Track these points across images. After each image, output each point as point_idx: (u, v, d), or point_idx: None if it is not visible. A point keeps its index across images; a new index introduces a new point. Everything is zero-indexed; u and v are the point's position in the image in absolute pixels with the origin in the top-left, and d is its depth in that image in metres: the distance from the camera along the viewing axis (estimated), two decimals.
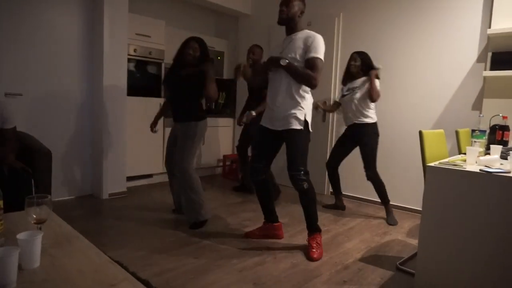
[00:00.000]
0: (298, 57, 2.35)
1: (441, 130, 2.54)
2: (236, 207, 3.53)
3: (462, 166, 1.84)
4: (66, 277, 1.06)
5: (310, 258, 2.40)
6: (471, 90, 3.27)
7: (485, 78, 3.12)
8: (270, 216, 2.73)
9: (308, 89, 2.41)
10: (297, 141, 2.38)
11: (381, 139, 3.31)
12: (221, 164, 5.09)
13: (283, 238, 2.75)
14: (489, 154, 2.19)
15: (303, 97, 2.39)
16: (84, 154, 3.67)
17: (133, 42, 3.96)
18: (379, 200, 3.36)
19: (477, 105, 3.23)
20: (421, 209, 1.94)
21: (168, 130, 4.34)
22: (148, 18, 4.14)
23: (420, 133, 2.18)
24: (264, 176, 2.58)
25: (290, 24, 2.42)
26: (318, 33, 2.37)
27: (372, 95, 3.12)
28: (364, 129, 3.25)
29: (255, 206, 3.57)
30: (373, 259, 2.47)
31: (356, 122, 3.27)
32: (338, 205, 3.62)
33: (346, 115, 3.37)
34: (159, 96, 4.27)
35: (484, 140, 2.42)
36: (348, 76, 3.38)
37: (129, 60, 3.87)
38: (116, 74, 3.61)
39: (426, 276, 1.91)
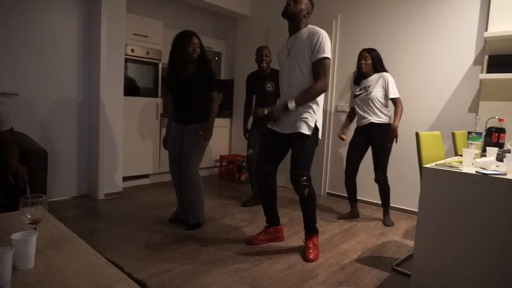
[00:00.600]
0: (306, 58, 2.30)
1: (438, 132, 2.55)
2: (233, 208, 3.52)
3: (458, 167, 1.84)
4: (61, 278, 1.05)
5: (306, 259, 2.40)
6: (467, 92, 3.28)
7: (481, 80, 3.14)
8: (274, 220, 2.68)
9: None
10: (303, 146, 2.34)
11: None
12: (218, 164, 5.10)
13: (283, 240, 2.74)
14: (485, 156, 2.20)
15: (315, 102, 2.35)
16: (80, 154, 3.66)
17: (131, 42, 3.95)
18: (376, 201, 3.37)
19: (474, 108, 3.25)
20: (417, 210, 1.94)
21: (164, 131, 4.34)
22: (146, 18, 4.13)
23: (417, 134, 2.19)
24: (272, 179, 2.54)
25: (294, 21, 2.36)
26: None
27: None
28: (381, 129, 3.11)
29: (251, 207, 3.58)
30: (370, 260, 2.47)
31: (373, 121, 3.12)
32: (354, 212, 3.42)
33: (361, 115, 3.19)
34: (156, 96, 4.26)
35: (480, 142, 2.44)
36: (360, 76, 3.22)
37: (126, 60, 3.86)
38: (113, 74, 3.60)
39: (422, 277, 1.91)
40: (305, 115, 2.32)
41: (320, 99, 2.38)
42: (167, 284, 1.99)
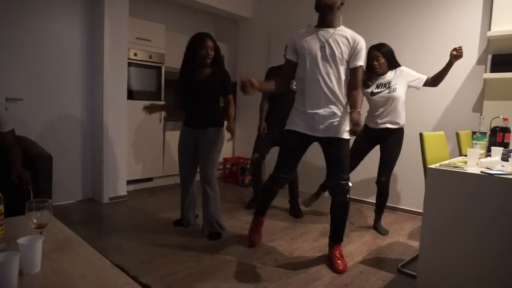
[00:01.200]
0: (344, 57, 2.18)
1: (442, 132, 2.54)
2: (237, 211, 3.52)
3: (463, 168, 1.83)
4: (67, 282, 1.05)
5: (336, 270, 2.28)
6: (471, 92, 3.27)
7: (485, 80, 3.12)
8: (266, 211, 2.64)
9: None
10: (344, 150, 2.26)
11: None
12: (221, 167, 5.10)
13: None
14: (490, 156, 2.19)
15: (345, 101, 2.27)
16: (84, 158, 3.67)
17: (133, 46, 3.97)
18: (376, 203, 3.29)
19: (478, 107, 3.23)
20: (422, 211, 1.93)
21: (168, 134, 4.36)
22: (148, 22, 4.15)
23: (421, 135, 2.18)
24: (283, 186, 2.49)
25: (328, 14, 2.20)
26: None
27: (438, 82, 2.79)
28: (398, 136, 2.90)
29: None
30: (375, 261, 2.46)
31: (390, 126, 2.85)
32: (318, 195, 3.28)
33: (377, 114, 2.88)
34: (159, 99, 4.27)
35: (485, 142, 2.42)
36: (373, 74, 2.92)
37: (129, 64, 3.88)
38: (116, 78, 3.61)
39: (427, 278, 1.90)
40: (340, 118, 2.24)
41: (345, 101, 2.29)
42: (172, 287, 1.99)
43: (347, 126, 2.24)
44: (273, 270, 2.26)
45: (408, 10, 3.60)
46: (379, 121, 2.88)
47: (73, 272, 1.11)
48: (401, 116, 2.86)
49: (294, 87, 3.25)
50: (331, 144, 2.27)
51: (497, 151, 2.10)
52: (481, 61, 3.20)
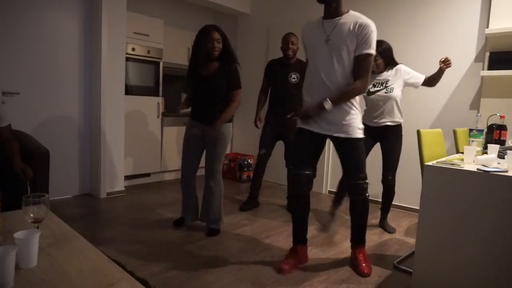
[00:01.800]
0: (350, 48, 2.00)
1: (439, 130, 2.55)
2: (234, 207, 3.52)
3: (459, 165, 1.84)
4: (64, 276, 1.06)
5: (361, 274, 2.20)
6: (468, 89, 3.27)
7: (482, 77, 3.13)
8: (304, 236, 2.35)
9: None
10: (359, 149, 2.15)
11: None
12: None
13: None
14: (486, 153, 2.20)
15: (354, 99, 2.13)
16: (81, 153, 3.67)
17: (131, 41, 3.95)
18: (376, 199, 3.34)
19: (475, 105, 3.24)
20: (418, 208, 1.94)
21: (166, 130, 4.36)
22: (147, 17, 4.13)
23: (418, 132, 2.18)
24: (309, 186, 2.26)
25: (332, 3, 2.03)
26: None
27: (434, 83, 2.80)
28: (397, 131, 2.90)
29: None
30: (371, 258, 2.47)
31: (389, 124, 2.86)
32: (335, 215, 3.20)
33: (375, 114, 2.88)
34: (157, 95, 4.26)
35: (481, 140, 2.43)
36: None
37: (127, 59, 3.86)
38: (114, 73, 3.60)
39: (423, 274, 1.91)
40: (353, 117, 2.10)
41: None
42: (169, 283, 1.99)
43: (360, 124, 2.14)
44: (270, 266, 2.27)
45: (405, 7, 3.59)
46: (378, 120, 2.90)
47: (70, 266, 1.11)
48: (399, 114, 2.88)
49: (293, 80, 3.26)
50: (344, 145, 2.16)
51: (494, 148, 2.11)
52: (478, 58, 3.20)
